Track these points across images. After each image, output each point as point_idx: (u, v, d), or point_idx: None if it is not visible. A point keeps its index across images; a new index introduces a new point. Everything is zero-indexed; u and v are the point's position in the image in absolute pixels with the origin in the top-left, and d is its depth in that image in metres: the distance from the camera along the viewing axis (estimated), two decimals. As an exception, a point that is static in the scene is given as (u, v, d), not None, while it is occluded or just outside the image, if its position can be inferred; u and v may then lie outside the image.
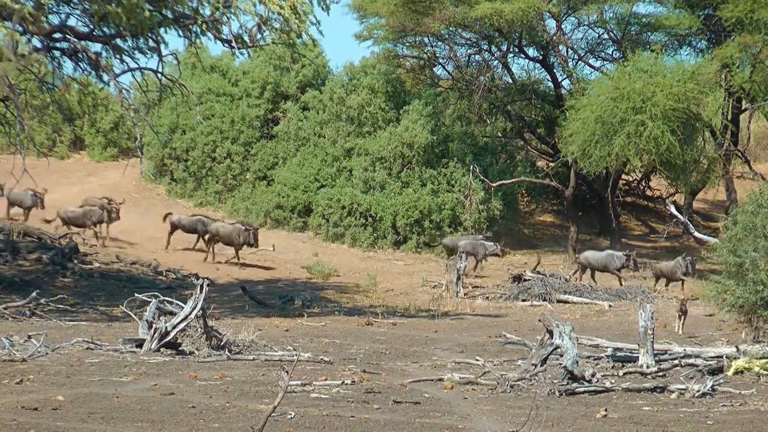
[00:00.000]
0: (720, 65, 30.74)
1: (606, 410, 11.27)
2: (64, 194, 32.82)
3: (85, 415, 10.20)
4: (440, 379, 13.33)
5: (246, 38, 21.89)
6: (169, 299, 15.55)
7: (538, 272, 27.95)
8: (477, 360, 15.19)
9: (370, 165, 34.21)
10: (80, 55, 21.99)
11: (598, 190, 35.38)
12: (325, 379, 12.83)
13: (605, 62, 35.68)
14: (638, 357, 14.47)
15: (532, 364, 13.25)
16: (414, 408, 11.30)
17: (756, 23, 30.26)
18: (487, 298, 26.56)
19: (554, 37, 34.11)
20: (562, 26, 34.45)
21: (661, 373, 14.09)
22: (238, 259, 28.53)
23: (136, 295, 16.51)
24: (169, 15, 21.39)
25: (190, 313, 14.70)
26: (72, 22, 21.92)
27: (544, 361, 13.22)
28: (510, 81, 36.33)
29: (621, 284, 27.96)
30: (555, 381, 12.70)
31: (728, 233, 16.11)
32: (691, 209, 34.37)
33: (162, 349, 14.58)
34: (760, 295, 14.98)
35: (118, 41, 21.63)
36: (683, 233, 33.76)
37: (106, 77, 22.06)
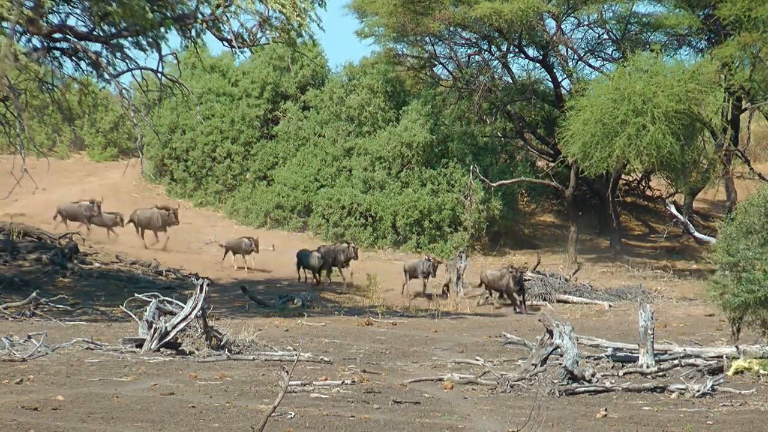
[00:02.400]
0: (720, 65, 30.70)
1: (606, 410, 11.27)
2: (64, 194, 32.83)
3: (85, 415, 10.20)
4: (440, 379, 13.33)
5: (246, 37, 21.91)
6: (169, 299, 15.55)
7: (538, 272, 27.94)
8: (477, 360, 15.19)
9: (370, 165, 34.21)
10: (80, 55, 21.99)
11: (598, 190, 35.37)
12: (325, 379, 12.83)
13: (605, 62, 35.66)
14: (638, 357, 14.46)
15: (532, 364, 13.25)
16: (414, 408, 11.30)
17: (754, 21, 30.20)
18: (488, 297, 26.55)
19: (554, 37, 34.09)
20: (562, 26, 34.44)
21: (661, 373, 14.08)
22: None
23: (136, 295, 16.52)
24: (169, 15, 21.39)
25: (190, 313, 14.70)
26: (72, 21, 21.95)
27: (544, 361, 13.22)
28: (510, 81, 36.30)
29: None
30: (555, 381, 12.70)
31: (723, 232, 16.12)
32: (691, 209, 34.33)
33: (162, 349, 14.58)
34: (755, 294, 14.99)
35: (118, 41, 21.64)
36: (683, 233, 33.75)
37: (106, 77, 22.08)
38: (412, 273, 27.00)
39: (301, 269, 27.91)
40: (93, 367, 13.30)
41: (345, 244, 28.37)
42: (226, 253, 28.85)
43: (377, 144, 34.21)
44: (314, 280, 27.70)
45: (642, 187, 40.02)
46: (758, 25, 30.22)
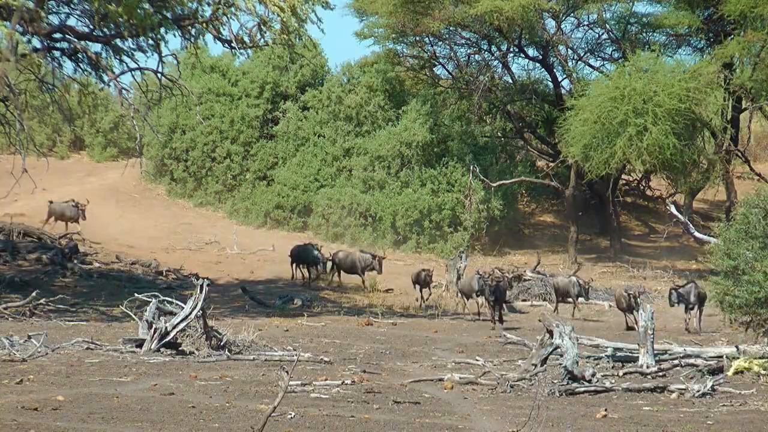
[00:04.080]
0: (720, 64, 30.68)
1: (606, 410, 11.28)
2: (64, 194, 32.81)
3: (85, 415, 10.20)
4: (440, 379, 13.34)
5: (246, 38, 21.92)
6: (169, 299, 15.55)
7: (538, 272, 27.91)
8: (477, 360, 15.19)
9: (369, 164, 34.21)
10: (80, 55, 21.99)
11: (598, 190, 35.34)
12: (325, 379, 12.84)
13: (605, 62, 35.66)
14: (638, 357, 14.47)
15: (532, 364, 13.26)
16: (414, 408, 11.30)
17: (760, 20, 30.13)
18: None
19: (554, 37, 34.08)
20: (562, 26, 34.44)
21: (661, 373, 14.09)
22: None
23: (136, 295, 16.53)
24: (169, 16, 21.39)
25: (190, 313, 14.70)
26: (72, 22, 21.95)
27: (544, 361, 13.23)
28: (510, 81, 36.29)
29: None
30: (555, 381, 12.71)
31: (723, 235, 16.13)
32: (691, 209, 34.32)
33: (162, 349, 14.59)
34: (756, 295, 15.01)
35: (118, 41, 21.64)
36: (683, 233, 33.74)
37: (106, 77, 22.07)
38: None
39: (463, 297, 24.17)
40: (93, 367, 13.30)
41: (499, 273, 23.97)
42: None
43: (377, 143, 34.21)
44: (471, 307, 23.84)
45: (642, 187, 40.01)
46: (763, 25, 30.17)
